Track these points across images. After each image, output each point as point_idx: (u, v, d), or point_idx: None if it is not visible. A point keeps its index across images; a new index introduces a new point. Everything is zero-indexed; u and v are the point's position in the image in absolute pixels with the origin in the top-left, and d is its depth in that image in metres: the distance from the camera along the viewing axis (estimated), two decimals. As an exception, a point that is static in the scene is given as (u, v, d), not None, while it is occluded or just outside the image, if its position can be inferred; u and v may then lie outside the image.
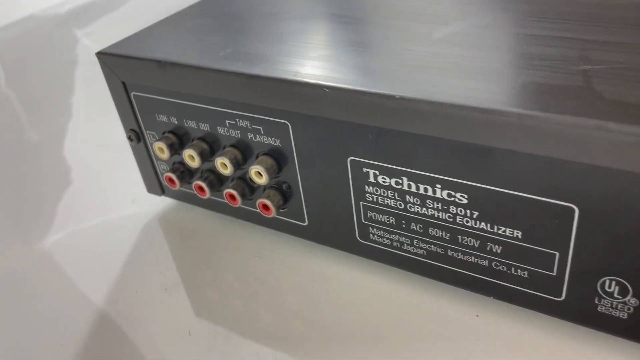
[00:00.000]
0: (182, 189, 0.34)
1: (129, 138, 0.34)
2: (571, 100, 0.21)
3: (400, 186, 0.26)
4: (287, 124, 0.27)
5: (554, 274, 0.24)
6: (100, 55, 0.31)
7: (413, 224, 0.27)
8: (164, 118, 0.31)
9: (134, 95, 0.32)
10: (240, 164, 0.30)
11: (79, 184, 0.42)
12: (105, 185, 0.41)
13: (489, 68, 0.24)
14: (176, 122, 0.31)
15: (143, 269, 0.33)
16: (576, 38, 0.25)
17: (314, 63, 0.26)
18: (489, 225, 0.24)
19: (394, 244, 0.28)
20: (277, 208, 0.30)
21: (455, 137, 0.23)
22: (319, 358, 0.27)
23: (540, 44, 0.25)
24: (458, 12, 0.30)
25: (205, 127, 0.30)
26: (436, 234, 0.26)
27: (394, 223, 0.27)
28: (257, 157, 0.29)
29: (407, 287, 0.29)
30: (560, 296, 0.24)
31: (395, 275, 0.30)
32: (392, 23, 0.30)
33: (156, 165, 0.34)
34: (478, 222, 0.25)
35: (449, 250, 0.26)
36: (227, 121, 0.29)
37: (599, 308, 0.23)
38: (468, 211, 0.24)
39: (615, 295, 0.23)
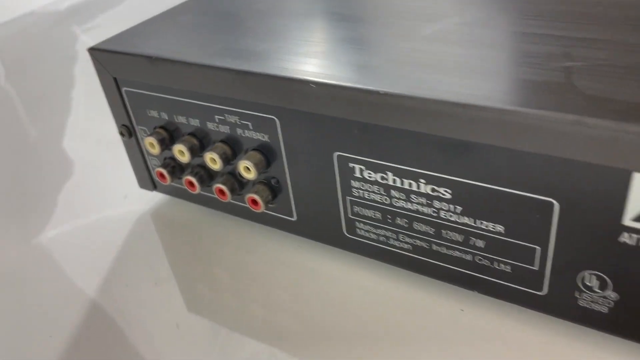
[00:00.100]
0: (173, 184, 0.34)
1: (121, 133, 0.34)
2: (551, 96, 0.21)
3: (385, 181, 0.26)
4: (275, 120, 0.27)
5: (536, 268, 0.24)
6: (92, 51, 0.32)
7: (398, 218, 0.27)
8: (154, 113, 0.32)
9: (125, 90, 0.32)
10: (229, 159, 0.30)
11: (74, 180, 0.42)
12: (99, 181, 0.42)
13: (473, 65, 0.24)
14: (167, 118, 0.31)
15: (134, 264, 0.33)
16: (560, 35, 0.26)
17: (302, 59, 0.27)
18: (472, 220, 0.25)
19: (381, 238, 0.28)
20: (266, 203, 0.30)
21: (437, 133, 0.23)
22: (308, 352, 0.27)
23: (524, 41, 0.26)
24: (446, 9, 0.30)
25: (195, 122, 0.30)
26: (421, 228, 0.26)
27: (380, 218, 0.27)
28: (246, 152, 0.29)
29: (393, 282, 0.29)
30: (542, 290, 0.24)
31: (382, 270, 0.30)
32: (380, 20, 0.30)
33: (148, 161, 0.35)
34: (461, 217, 0.25)
35: (433, 245, 0.27)
36: (216, 116, 0.29)
37: (579, 302, 0.24)
38: (452, 206, 0.25)
39: (595, 289, 0.23)
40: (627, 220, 0.21)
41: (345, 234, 0.29)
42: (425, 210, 0.26)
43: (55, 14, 0.80)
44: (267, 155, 0.29)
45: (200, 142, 0.31)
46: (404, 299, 0.29)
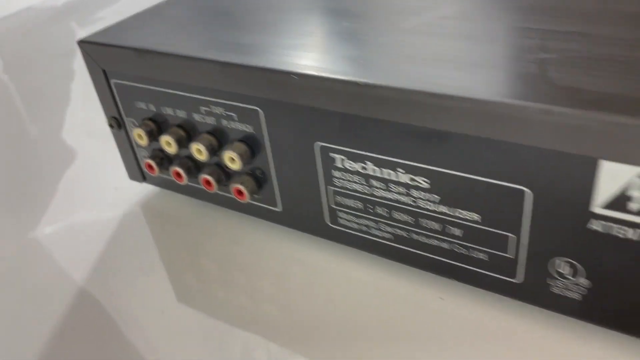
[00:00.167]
0: (162, 175, 0.35)
1: (110, 125, 0.35)
2: (524, 86, 0.22)
3: (365, 171, 0.26)
4: (258, 111, 0.28)
5: (511, 256, 0.24)
6: (82, 43, 0.32)
7: (379, 208, 0.27)
8: (142, 105, 0.32)
9: (114, 82, 0.33)
10: (215, 150, 0.31)
11: (69, 173, 0.43)
12: (91, 174, 0.42)
13: (450, 56, 0.25)
14: (154, 110, 0.32)
15: (123, 254, 0.34)
16: (537, 28, 0.26)
17: (284, 51, 0.27)
18: (449, 208, 0.25)
19: (362, 228, 0.29)
20: (251, 194, 0.31)
21: (413, 122, 0.23)
22: (293, 341, 0.27)
23: (502, 34, 0.26)
24: (428, 3, 0.31)
25: (182, 114, 0.31)
26: (401, 218, 0.27)
27: (362, 207, 0.28)
28: (232, 143, 0.30)
29: (375, 271, 0.30)
30: (518, 278, 0.25)
31: (365, 260, 0.30)
32: (364, 13, 0.31)
33: (137, 152, 0.35)
34: (439, 206, 0.25)
35: (413, 234, 0.27)
36: (202, 108, 0.30)
37: (553, 289, 0.24)
38: (429, 195, 0.25)
39: (567, 276, 0.23)
40: (596, 208, 0.21)
41: (329, 224, 0.30)
42: (404, 199, 0.26)
43: (54, 9, 0.81)
44: (251, 146, 0.30)
45: (187, 134, 0.32)
46: (386, 288, 0.29)
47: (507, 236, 0.24)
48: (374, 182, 0.27)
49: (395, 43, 0.27)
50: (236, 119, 0.29)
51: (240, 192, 0.31)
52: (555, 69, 0.23)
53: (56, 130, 0.49)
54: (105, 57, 0.32)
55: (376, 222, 0.28)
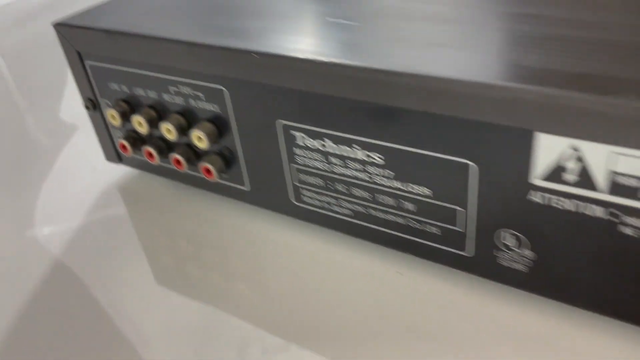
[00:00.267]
0: (137, 156, 0.36)
1: (86, 107, 0.36)
2: (473, 64, 0.22)
3: (324, 148, 0.27)
4: (223, 90, 0.29)
5: (460, 229, 0.25)
6: (57, 26, 0.33)
7: (338, 184, 0.28)
8: (115, 86, 0.33)
9: (88, 64, 0.34)
10: (185, 130, 0.32)
11: (50, 156, 0.44)
12: (69, 155, 0.43)
13: (408, 36, 0.25)
14: (127, 91, 0.33)
15: (100, 235, 0.35)
16: (511, 12, 0.27)
17: (250, 32, 0.28)
18: (402, 183, 0.26)
19: (324, 205, 0.30)
20: (219, 172, 0.32)
21: (365, 98, 0.24)
22: (264, 318, 0.28)
23: (466, 16, 0.27)
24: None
25: (152, 94, 0.32)
26: (359, 194, 0.28)
27: (322, 184, 0.29)
28: (200, 123, 0.31)
29: (337, 247, 0.31)
30: (467, 251, 0.26)
31: (330, 236, 0.31)
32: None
33: (112, 133, 0.36)
34: (393, 182, 0.26)
35: (370, 210, 0.28)
36: (171, 88, 0.31)
37: (501, 261, 0.25)
38: (384, 171, 0.26)
39: (512, 247, 0.24)
40: (534, 179, 0.22)
41: (294, 202, 0.31)
42: (362, 175, 0.27)
43: (52, 5, 0.82)
44: (218, 125, 0.30)
45: (158, 114, 0.32)
46: (349, 264, 0.30)
47: (455, 210, 0.25)
48: (333, 159, 0.27)
49: (355, 24, 0.27)
50: (203, 98, 0.30)
51: (208, 171, 0.32)
52: (502, 47, 0.23)
53: (46, 120, 0.50)
54: (79, 39, 0.32)
55: (337, 199, 0.29)
